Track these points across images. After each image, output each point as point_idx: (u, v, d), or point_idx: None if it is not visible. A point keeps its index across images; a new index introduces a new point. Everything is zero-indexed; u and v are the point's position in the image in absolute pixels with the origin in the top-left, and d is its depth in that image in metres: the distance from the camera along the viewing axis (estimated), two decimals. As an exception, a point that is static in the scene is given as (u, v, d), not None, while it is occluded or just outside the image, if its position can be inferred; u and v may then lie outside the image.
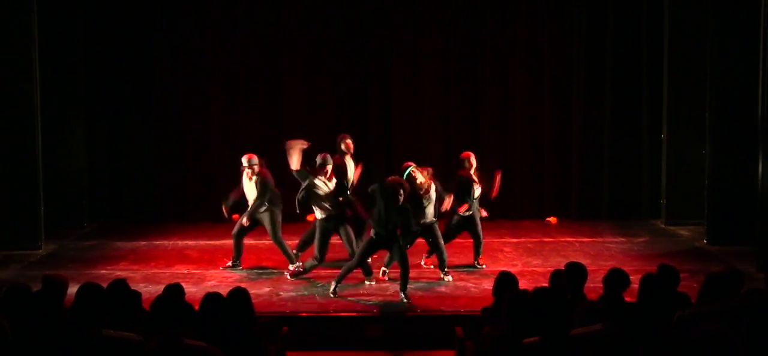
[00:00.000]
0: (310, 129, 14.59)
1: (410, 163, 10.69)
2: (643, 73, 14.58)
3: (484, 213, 11.11)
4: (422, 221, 10.36)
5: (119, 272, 10.67)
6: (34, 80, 12.32)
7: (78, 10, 13.94)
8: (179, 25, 14.70)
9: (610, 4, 14.57)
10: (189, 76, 14.73)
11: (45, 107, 12.73)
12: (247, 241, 11.47)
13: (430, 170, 10.63)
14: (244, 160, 10.88)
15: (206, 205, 14.71)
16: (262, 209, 10.91)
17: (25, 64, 12.24)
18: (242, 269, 11.18)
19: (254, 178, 10.86)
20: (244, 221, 10.94)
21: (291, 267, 10.85)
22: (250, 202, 10.95)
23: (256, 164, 10.86)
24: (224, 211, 11.29)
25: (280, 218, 11.00)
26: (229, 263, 11.27)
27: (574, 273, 6.95)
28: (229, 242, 12.36)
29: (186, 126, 14.78)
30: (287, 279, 10.66)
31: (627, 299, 6.72)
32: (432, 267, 10.97)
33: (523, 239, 13.06)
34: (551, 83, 14.75)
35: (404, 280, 9.75)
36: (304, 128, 14.64)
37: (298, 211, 10.90)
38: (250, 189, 10.96)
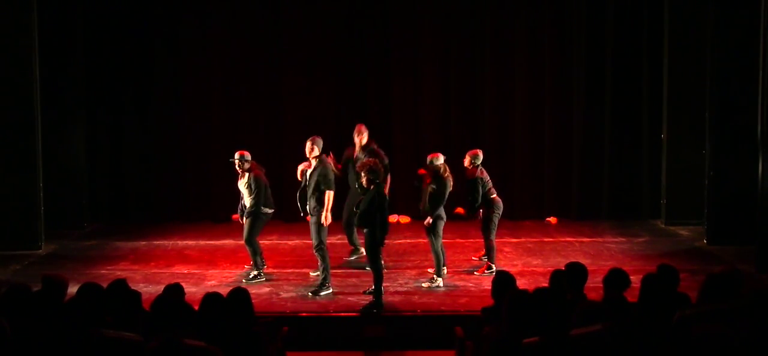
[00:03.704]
0: (309, 129, 14.62)
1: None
2: (643, 73, 14.57)
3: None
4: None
5: (119, 272, 10.67)
6: (34, 80, 12.32)
7: (78, 10, 13.93)
8: (179, 24, 14.69)
9: (610, 4, 14.56)
10: (189, 76, 14.73)
11: (45, 107, 12.73)
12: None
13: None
14: (237, 156, 10.61)
15: (206, 205, 14.72)
16: (255, 208, 10.56)
17: (25, 64, 12.23)
18: (245, 268, 11.12)
19: (246, 176, 10.58)
20: (244, 221, 10.77)
21: (252, 272, 10.68)
22: (244, 200, 10.67)
23: (247, 162, 10.58)
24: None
25: (263, 221, 10.72)
26: (254, 273, 10.73)
27: (574, 273, 6.95)
28: (228, 243, 12.38)
29: (186, 126, 14.77)
30: (243, 281, 10.49)
31: (627, 299, 6.72)
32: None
33: (523, 239, 13.06)
34: (551, 83, 14.75)
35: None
36: (304, 127, 14.68)
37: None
38: (242, 187, 10.67)
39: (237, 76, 14.78)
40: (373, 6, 14.74)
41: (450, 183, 10.39)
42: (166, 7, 14.64)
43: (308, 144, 10.21)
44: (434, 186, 10.31)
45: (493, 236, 10.97)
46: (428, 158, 10.49)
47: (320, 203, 10.02)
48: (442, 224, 10.40)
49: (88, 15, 14.16)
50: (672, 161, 13.95)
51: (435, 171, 10.34)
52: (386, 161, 10.97)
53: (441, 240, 10.44)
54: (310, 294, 10.01)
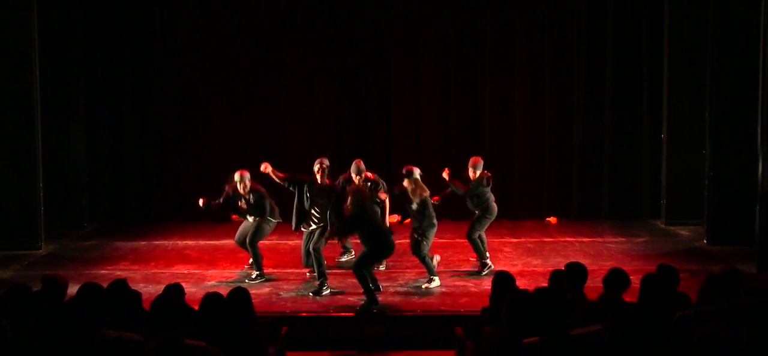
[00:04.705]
0: (310, 129, 14.65)
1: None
2: (643, 74, 14.57)
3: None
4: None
5: (119, 272, 10.66)
6: (34, 80, 12.32)
7: (78, 10, 13.93)
8: (179, 25, 14.69)
9: (610, 5, 14.56)
10: (189, 76, 14.72)
11: (45, 108, 12.73)
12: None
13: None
14: (237, 176, 10.64)
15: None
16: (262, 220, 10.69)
17: (25, 64, 12.24)
18: (244, 269, 11.15)
19: (250, 195, 10.64)
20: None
21: (253, 274, 10.73)
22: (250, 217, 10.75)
23: (247, 180, 10.64)
24: (201, 202, 10.80)
25: (268, 230, 10.81)
26: (255, 273, 10.83)
27: (574, 273, 6.94)
28: (228, 243, 12.35)
29: (186, 126, 14.77)
30: (246, 281, 10.50)
31: (627, 299, 6.72)
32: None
33: (523, 239, 13.06)
34: (551, 83, 14.75)
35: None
36: (304, 128, 14.70)
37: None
38: (244, 204, 10.72)
39: (237, 77, 14.78)
40: (373, 7, 14.73)
41: (424, 195, 10.40)
42: (166, 8, 14.64)
43: (317, 166, 10.42)
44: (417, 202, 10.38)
45: (475, 235, 10.94)
46: (405, 171, 10.50)
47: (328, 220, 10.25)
48: (433, 231, 10.46)
49: (88, 16, 14.16)
50: (672, 161, 13.95)
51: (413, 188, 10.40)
52: (384, 186, 11.05)
53: (429, 246, 10.48)
54: (310, 294, 10.03)
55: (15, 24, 12.22)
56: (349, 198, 9.78)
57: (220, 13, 14.71)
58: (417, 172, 10.46)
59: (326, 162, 10.49)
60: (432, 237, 10.48)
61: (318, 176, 10.42)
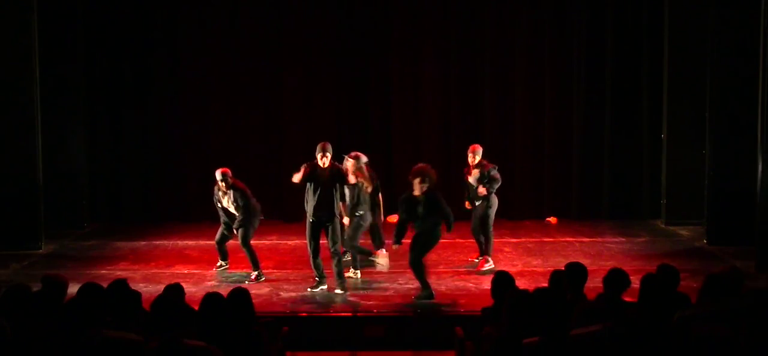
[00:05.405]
0: (310, 129, 14.64)
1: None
2: (643, 73, 14.58)
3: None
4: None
5: (119, 272, 10.67)
6: (34, 80, 12.32)
7: (78, 10, 13.93)
8: (179, 25, 14.69)
9: (610, 4, 14.56)
10: (189, 76, 14.72)
11: (45, 107, 12.73)
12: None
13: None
14: (219, 175, 10.65)
15: (206, 205, 14.68)
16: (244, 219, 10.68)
17: (25, 64, 12.24)
18: (216, 269, 11.20)
19: (231, 193, 10.65)
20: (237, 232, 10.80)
21: (253, 273, 10.74)
22: (233, 213, 10.77)
23: (229, 177, 10.66)
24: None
25: (255, 225, 10.84)
26: (220, 264, 11.20)
27: (574, 273, 6.94)
28: (229, 243, 12.36)
29: (186, 126, 14.76)
30: (248, 283, 10.47)
31: (627, 299, 6.72)
32: None
33: (523, 239, 13.06)
34: (551, 83, 14.75)
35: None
36: (304, 128, 14.69)
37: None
38: (227, 203, 10.78)
39: (236, 77, 14.78)
40: (373, 7, 14.73)
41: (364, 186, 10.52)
42: (165, 9, 14.64)
43: (319, 153, 10.13)
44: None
45: (490, 229, 10.99)
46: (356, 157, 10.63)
47: (336, 205, 10.18)
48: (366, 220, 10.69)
49: (88, 15, 14.16)
50: (672, 161, 13.95)
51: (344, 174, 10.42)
52: (377, 181, 11.04)
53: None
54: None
55: (15, 24, 12.22)
56: (418, 179, 9.59)
57: (220, 13, 14.71)
58: (363, 159, 10.63)
59: (329, 147, 10.15)
60: (364, 226, 10.67)
61: (320, 160, 10.07)
